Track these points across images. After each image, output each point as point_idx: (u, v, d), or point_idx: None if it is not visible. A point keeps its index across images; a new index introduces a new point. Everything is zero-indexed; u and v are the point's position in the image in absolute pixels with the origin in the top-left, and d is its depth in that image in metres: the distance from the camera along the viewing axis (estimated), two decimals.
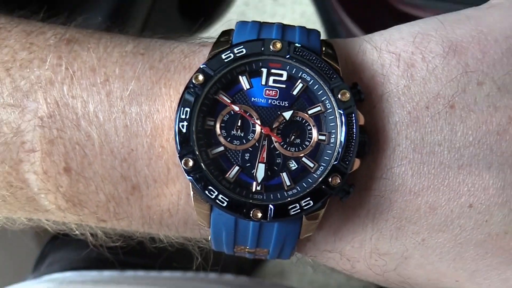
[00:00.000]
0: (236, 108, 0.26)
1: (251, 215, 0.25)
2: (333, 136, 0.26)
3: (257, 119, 0.26)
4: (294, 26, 0.27)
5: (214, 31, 0.28)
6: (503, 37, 0.26)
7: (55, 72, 0.26)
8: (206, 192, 0.25)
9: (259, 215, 0.25)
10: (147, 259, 0.50)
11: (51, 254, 0.60)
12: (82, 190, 0.27)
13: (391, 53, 0.26)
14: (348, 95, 0.25)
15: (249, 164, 0.26)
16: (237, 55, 0.26)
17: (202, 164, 0.25)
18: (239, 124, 0.26)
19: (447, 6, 0.65)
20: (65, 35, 0.27)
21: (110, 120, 0.26)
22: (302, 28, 0.27)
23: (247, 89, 0.26)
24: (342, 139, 0.25)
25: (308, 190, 0.26)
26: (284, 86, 0.26)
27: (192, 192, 0.26)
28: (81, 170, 0.26)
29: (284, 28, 0.27)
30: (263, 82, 0.26)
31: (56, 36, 0.27)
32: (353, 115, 0.25)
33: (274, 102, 0.26)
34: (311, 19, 1.40)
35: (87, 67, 0.27)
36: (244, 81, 0.26)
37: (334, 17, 0.81)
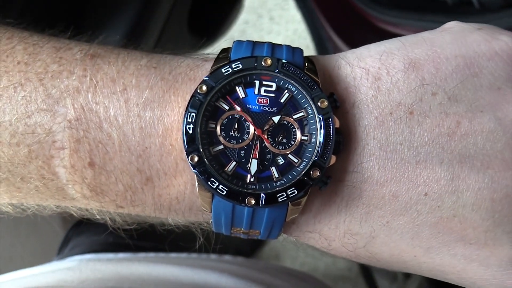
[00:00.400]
0: (238, 109, 0.30)
1: (246, 202, 0.29)
2: (314, 136, 0.30)
3: (250, 122, 0.30)
4: (281, 44, 0.31)
5: (216, 46, 0.33)
6: (453, 56, 0.29)
7: (81, 82, 0.30)
8: (209, 183, 0.29)
9: (253, 202, 0.29)
10: (157, 242, 0.54)
11: (73, 239, 0.64)
12: (104, 181, 0.30)
13: (362, 68, 0.30)
14: (326, 103, 0.29)
15: (244, 160, 0.30)
16: (235, 69, 0.29)
17: (205, 160, 0.29)
18: (236, 126, 0.30)
19: (419, 23, 0.69)
20: (89, 51, 0.31)
21: (128, 122, 0.30)
22: (288, 46, 0.31)
23: (242, 97, 0.30)
24: (321, 139, 0.29)
25: (293, 181, 0.29)
26: (273, 95, 0.30)
27: (197, 183, 0.29)
28: (103, 165, 0.30)
29: (273, 47, 0.31)
30: (256, 92, 0.30)
31: (82, 52, 0.31)
32: (330, 119, 0.29)
33: (265, 108, 0.30)
34: (302, 36, 1.50)
35: (108, 78, 0.30)
36: (240, 91, 0.30)
37: (322, 34, 0.84)
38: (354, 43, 0.76)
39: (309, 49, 1.53)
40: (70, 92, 0.30)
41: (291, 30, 1.58)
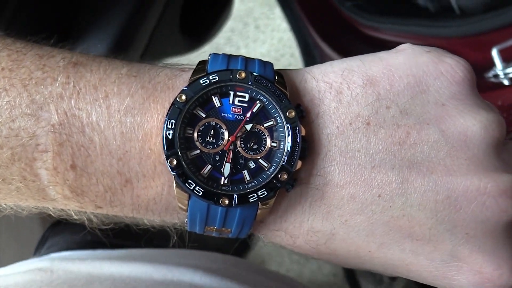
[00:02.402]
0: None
1: (220, 202, 0.31)
2: (282, 143, 0.32)
3: (225, 129, 0.32)
4: (254, 59, 0.34)
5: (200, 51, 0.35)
6: (405, 74, 0.33)
7: (65, 89, 0.31)
8: (186, 184, 0.31)
9: (227, 202, 0.31)
10: (133, 240, 0.55)
11: (50, 238, 0.63)
12: (85, 183, 0.32)
13: (326, 82, 0.33)
14: (293, 113, 0.32)
15: (218, 164, 0.32)
16: (212, 80, 0.32)
17: (183, 163, 0.31)
18: (211, 133, 0.32)
19: (404, 28, 0.73)
20: (72, 59, 0.32)
21: (109, 128, 0.31)
22: (260, 60, 0.33)
23: (218, 106, 0.32)
24: (289, 146, 0.32)
25: (263, 183, 0.32)
26: (246, 105, 0.32)
27: (174, 185, 0.31)
28: (85, 167, 0.32)
29: (246, 60, 0.33)
30: (230, 102, 0.32)
31: (64, 60, 0.32)
32: (297, 128, 0.32)
33: (238, 117, 0.32)
34: (287, 44, 1.55)
35: (90, 85, 0.32)
36: (216, 101, 0.32)
37: (309, 40, 0.86)
38: (341, 49, 0.79)
39: (294, 58, 1.58)
40: (54, 98, 0.31)
41: (276, 39, 1.62)
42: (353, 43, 0.79)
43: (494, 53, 0.66)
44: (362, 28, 0.77)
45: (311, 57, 0.89)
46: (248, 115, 0.33)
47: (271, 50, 1.64)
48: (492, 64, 0.67)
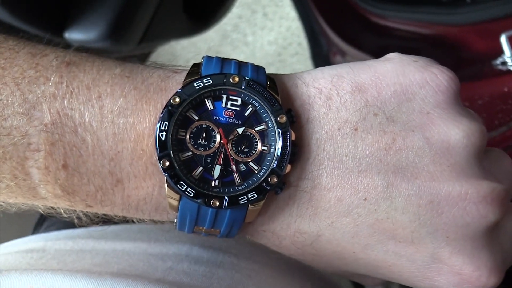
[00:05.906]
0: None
1: (211, 203, 0.32)
2: (273, 147, 0.33)
3: (217, 132, 0.33)
4: (246, 63, 0.34)
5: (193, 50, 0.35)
6: (392, 82, 0.34)
7: (58, 89, 0.31)
8: (178, 185, 0.32)
9: (217, 203, 0.32)
10: None
11: (48, 218, 0.62)
12: (76, 182, 0.32)
13: (316, 88, 0.34)
14: (284, 118, 0.32)
15: (210, 166, 0.33)
16: (206, 84, 0.32)
17: (175, 164, 0.32)
18: (203, 135, 0.33)
19: (413, 16, 0.73)
20: (65, 58, 0.32)
21: (102, 128, 0.32)
22: (253, 65, 0.34)
23: (211, 109, 0.33)
24: (279, 151, 0.33)
25: (253, 186, 0.33)
26: (238, 108, 0.33)
27: (166, 185, 0.32)
28: (77, 167, 0.32)
29: (239, 65, 0.34)
30: (223, 105, 0.33)
31: (57, 59, 0.32)
32: (288, 133, 0.32)
33: (230, 120, 0.33)
34: (295, 33, 1.52)
35: (83, 85, 0.32)
36: (209, 104, 0.33)
37: (316, 27, 0.86)
38: (348, 37, 0.78)
39: (301, 47, 1.57)
40: (47, 98, 0.31)
41: (285, 27, 1.59)
42: (360, 31, 0.80)
43: (503, 39, 0.67)
44: (370, 16, 0.78)
45: (317, 45, 0.89)
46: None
47: (278, 38, 1.60)
48: (500, 51, 0.68)
